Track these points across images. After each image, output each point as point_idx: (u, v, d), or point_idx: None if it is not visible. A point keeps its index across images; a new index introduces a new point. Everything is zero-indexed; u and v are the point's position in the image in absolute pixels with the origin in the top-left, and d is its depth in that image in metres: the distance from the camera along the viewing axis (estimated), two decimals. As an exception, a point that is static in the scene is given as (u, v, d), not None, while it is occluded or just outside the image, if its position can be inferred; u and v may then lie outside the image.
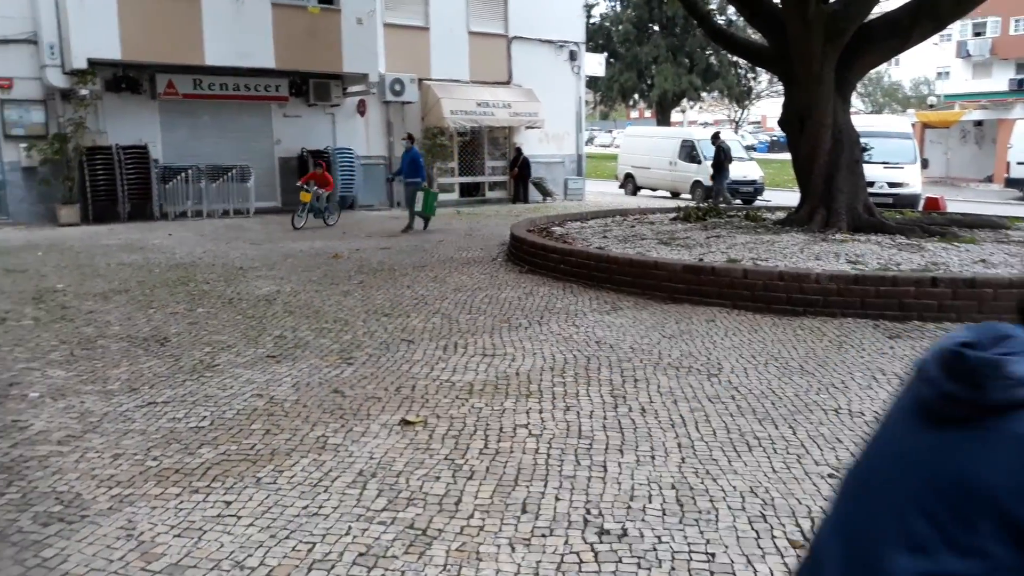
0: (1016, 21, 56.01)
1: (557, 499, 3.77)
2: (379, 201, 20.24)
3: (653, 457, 4.28)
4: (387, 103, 19.78)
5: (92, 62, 15.37)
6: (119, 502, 3.73)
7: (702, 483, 3.95)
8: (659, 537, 3.41)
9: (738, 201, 20.21)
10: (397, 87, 19.29)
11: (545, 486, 3.91)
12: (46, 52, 15.39)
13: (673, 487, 3.90)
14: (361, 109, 19.78)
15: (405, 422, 4.77)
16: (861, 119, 22.15)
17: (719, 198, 19.08)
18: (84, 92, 15.61)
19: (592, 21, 37.14)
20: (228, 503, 3.71)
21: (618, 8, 40.12)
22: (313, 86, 18.56)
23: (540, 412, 4.96)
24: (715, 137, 20.10)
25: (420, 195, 14.71)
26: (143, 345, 6.60)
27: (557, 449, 4.37)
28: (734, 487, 3.91)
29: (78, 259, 11.27)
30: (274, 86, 18.16)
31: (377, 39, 18.69)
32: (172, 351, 6.42)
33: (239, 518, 3.57)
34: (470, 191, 22.34)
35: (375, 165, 20.17)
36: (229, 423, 4.77)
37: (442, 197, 20.85)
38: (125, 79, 16.48)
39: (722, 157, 19.44)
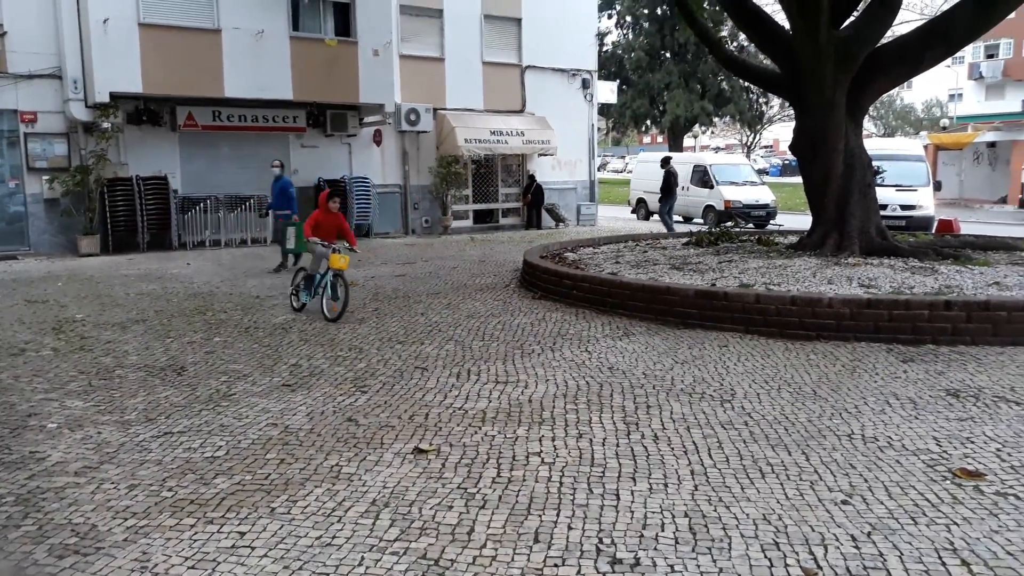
0: (1030, 42, 55.88)
1: (570, 528, 3.78)
2: (395, 229, 20.40)
3: (666, 485, 4.28)
4: (403, 132, 20.02)
5: (114, 95, 15.67)
6: (134, 534, 3.77)
7: (715, 511, 3.95)
8: (672, 566, 3.41)
9: (735, 225, 20.17)
10: (412, 117, 19.53)
11: (558, 515, 3.92)
12: (70, 86, 15.71)
13: (686, 515, 3.90)
14: (377, 139, 20.02)
15: (418, 450, 4.80)
16: (873, 142, 22.18)
17: (665, 222, 19.30)
18: (106, 125, 15.92)
19: (605, 49, 37.51)
20: (242, 534, 3.74)
21: (630, 36, 40.50)
22: (330, 116, 18.82)
23: (553, 440, 4.98)
24: (664, 162, 20.17)
25: (291, 230, 12.77)
26: (160, 375, 6.68)
27: (570, 477, 4.38)
28: (747, 515, 3.90)
29: (97, 289, 11.43)
30: (292, 117, 18.43)
31: (393, 70, 18.96)
32: (189, 380, 6.49)
33: (253, 549, 3.60)
34: (484, 218, 22.49)
35: (391, 193, 20.37)
36: (244, 453, 4.81)
37: (456, 224, 21.11)
38: (146, 112, 16.82)
39: (671, 182, 19.56)
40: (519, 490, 4.21)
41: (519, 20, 22.01)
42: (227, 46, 16.64)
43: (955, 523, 3.80)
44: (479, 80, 21.45)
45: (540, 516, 3.90)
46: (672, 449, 4.79)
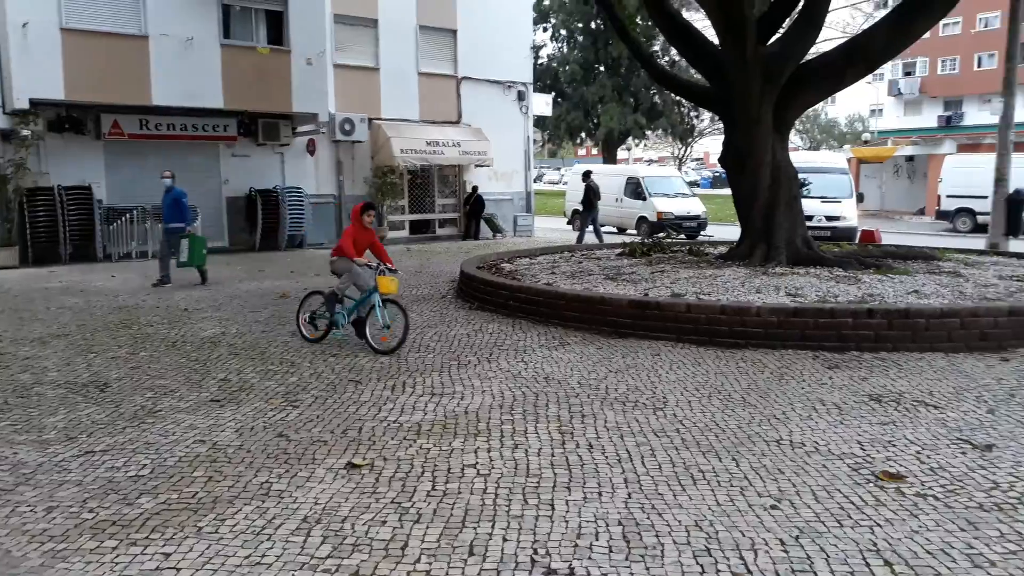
0: (943, 61, 58.59)
1: (505, 540, 3.76)
2: (329, 240, 20.12)
3: (600, 493, 4.30)
4: (337, 142, 19.81)
5: (34, 102, 15.13)
6: (52, 558, 3.61)
7: (648, 518, 3.99)
8: (606, 575, 3.42)
9: (667, 236, 20.56)
10: (347, 127, 19.36)
11: (493, 527, 3.90)
12: (-16, 93, 15.10)
13: (620, 523, 3.93)
14: (311, 148, 19.76)
15: (351, 465, 4.72)
16: (799, 155, 22.89)
17: (582, 236, 19.70)
18: (25, 132, 15.33)
19: (540, 62, 37.85)
20: (167, 555, 3.62)
21: (565, 49, 40.97)
22: (262, 126, 18.51)
23: (488, 451, 4.97)
24: (585, 175, 20.54)
25: (185, 243, 12.49)
26: (82, 391, 6.44)
27: (505, 488, 4.37)
28: (679, 521, 3.95)
29: (15, 303, 10.96)
30: (223, 126, 18.05)
31: (327, 79, 18.77)
32: (112, 397, 6.27)
33: (178, 571, 3.48)
34: (420, 228, 22.40)
35: (325, 204, 20.12)
36: (170, 471, 4.66)
37: (392, 235, 20.96)
38: (69, 119, 16.26)
39: (591, 196, 19.90)
40: (454, 503, 4.18)
41: (455, 31, 22.06)
42: (155, 53, 16.23)
43: (878, 524, 3.91)
44: (415, 90, 21.40)
45: (475, 529, 3.88)
46: (606, 458, 4.83)
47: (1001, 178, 15.58)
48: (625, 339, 8.21)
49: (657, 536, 3.79)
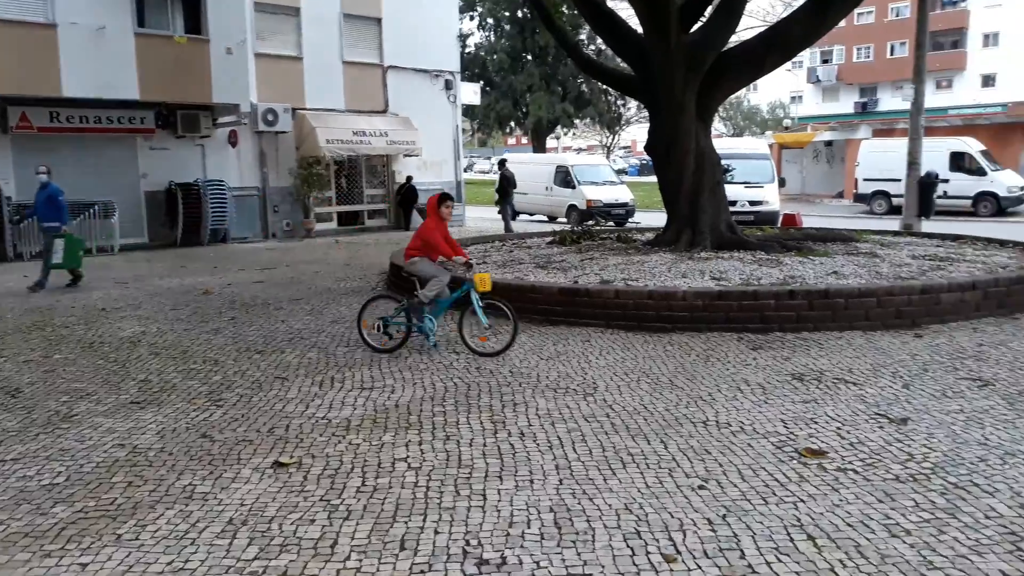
0: (859, 49, 60.65)
1: (436, 532, 3.74)
2: (253, 233, 19.66)
3: (532, 481, 4.31)
4: (260, 133, 19.32)
5: (-70, 95, 14.31)
6: (-42, 573, 3.43)
7: (579, 504, 4.01)
8: (538, 563, 3.43)
9: (596, 223, 20.79)
10: (270, 117, 18.90)
11: (424, 520, 3.87)
12: None
13: (551, 510, 3.95)
14: (233, 140, 19.23)
15: (278, 464, 4.62)
16: (723, 142, 23.39)
17: (508, 225, 19.91)
18: (-79, 127, 14.49)
19: (467, 51, 37.70)
20: (84, 565, 3.47)
21: (492, 38, 40.88)
22: (181, 117, 17.91)
23: (420, 444, 4.92)
24: (500, 164, 20.71)
25: (60, 243, 11.59)
26: (-9, 398, 6.13)
27: (436, 481, 4.34)
28: (610, 505, 3.99)
29: (-83, 308, 10.38)
30: (139, 118, 17.41)
31: (248, 69, 18.27)
32: (24, 403, 5.99)
33: (96, 580, 3.35)
34: (349, 220, 22.07)
35: (249, 196, 19.62)
36: (87, 478, 4.48)
37: (320, 227, 20.61)
38: (-30, 112, 15.42)
39: (506, 184, 20.22)
40: (384, 498, 4.13)
41: (379, 20, 21.72)
42: (64, 42, 15.52)
43: (802, 500, 4.02)
44: (340, 80, 21.01)
45: (406, 523, 3.84)
46: (538, 445, 4.85)
47: (913, 161, 16.18)
48: (556, 326, 8.26)
49: (588, 521, 3.82)
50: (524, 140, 59.72)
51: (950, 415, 5.29)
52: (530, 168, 25.15)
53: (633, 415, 5.37)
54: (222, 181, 18.60)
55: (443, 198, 7.48)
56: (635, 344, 7.44)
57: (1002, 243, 12.14)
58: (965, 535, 3.62)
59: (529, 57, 39.23)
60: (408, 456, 4.72)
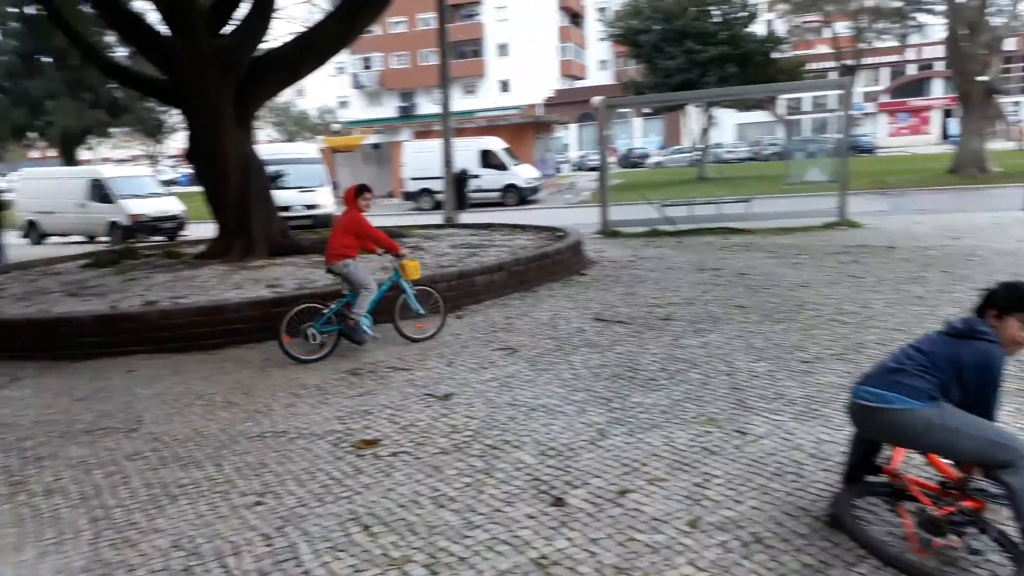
0: (397, 56, 64.88)
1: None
2: None
3: (60, 543, 3.76)
4: None
5: None
6: None
7: (119, 555, 3.60)
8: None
9: (137, 240, 19.27)
10: None
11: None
12: None
13: (84, 570, 3.47)
14: None
15: None
16: (274, 147, 23.20)
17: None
18: None
19: None
20: None
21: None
22: None
23: (-95, 531, 3.97)
24: None
25: None
26: None
27: (-71, 571, 3.55)
28: (156, 547, 3.65)
29: None
30: None
31: None
32: None
33: None
34: None
35: None
36: None
37: None
38: None
39: None
40: None
41: None
42: None
43: (357, 492, 4.11)
44: None
45: None
46: (68, 500, 4.24)
47: (448, 160, 17.76)
48: (94, 360, 7.34)
49: (130, 571, 3.44)
50: (51, 152, 52.47)
51: (486, 384, 5.87)
52: (56, 183, 22.21)
53: (184, 443, 5.00)
54: None
55: (361, 189, 7.24)
56: (187, 366, 6.95)
57: (524, 228, 13.91)
58: (500, 490, 4.03)
59: (47, 60, 34.37)
60: None
